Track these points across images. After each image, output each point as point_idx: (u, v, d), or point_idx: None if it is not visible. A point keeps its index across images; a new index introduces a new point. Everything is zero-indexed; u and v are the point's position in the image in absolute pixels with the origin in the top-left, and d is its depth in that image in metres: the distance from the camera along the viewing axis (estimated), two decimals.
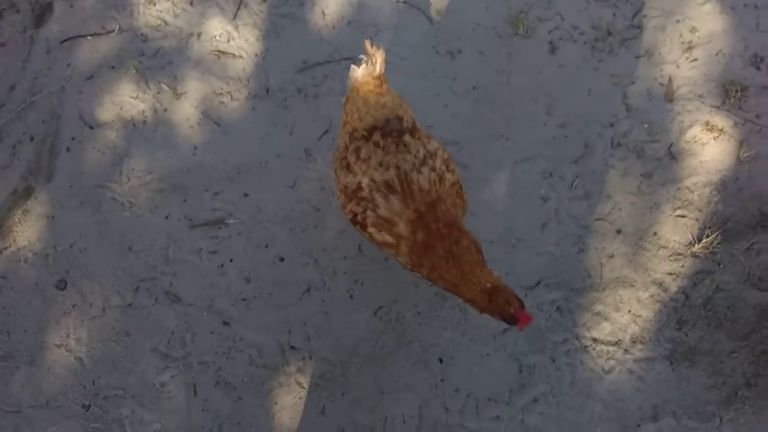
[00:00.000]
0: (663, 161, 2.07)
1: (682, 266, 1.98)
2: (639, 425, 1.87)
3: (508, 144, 2.10)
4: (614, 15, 2.17)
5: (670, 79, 2.13)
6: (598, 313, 1.95)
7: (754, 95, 2.08)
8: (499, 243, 2.01)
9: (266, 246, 2.09)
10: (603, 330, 1.94)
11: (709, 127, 2.08)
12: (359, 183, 1.56)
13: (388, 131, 1.59)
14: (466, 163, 2.09)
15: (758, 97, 2.08)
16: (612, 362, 1.92)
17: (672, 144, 2.08)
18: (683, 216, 2.02)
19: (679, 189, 2.05)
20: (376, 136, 1.59)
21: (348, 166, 1.60)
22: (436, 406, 1.92)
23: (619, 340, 1.93)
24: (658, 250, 2.00)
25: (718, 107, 2.08)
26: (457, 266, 1.45)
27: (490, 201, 2.05)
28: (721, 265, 1.97)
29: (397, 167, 1.53)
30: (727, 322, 1.93)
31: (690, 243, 1.99)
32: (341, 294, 2.02)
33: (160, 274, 2.07)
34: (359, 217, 1.58)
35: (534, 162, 2.09)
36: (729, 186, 2.02)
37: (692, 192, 2.03)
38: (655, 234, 2.01)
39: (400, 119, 1.61)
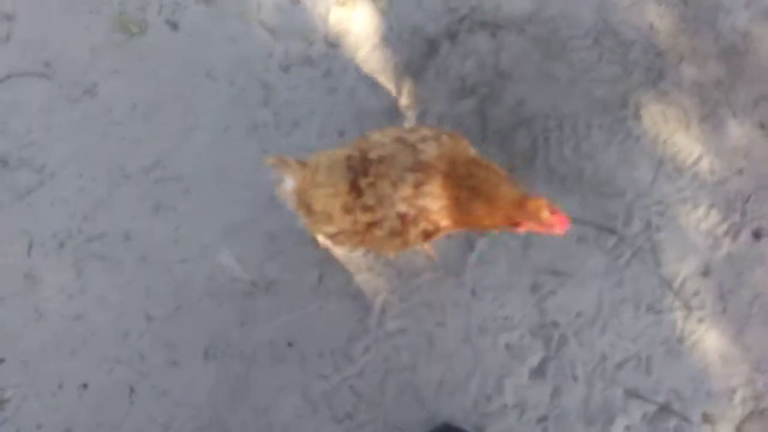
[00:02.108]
0: (330, 53, 2.25)
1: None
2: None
3: (200, 132, 2.16)
4: None
5: None
6: None
7: None
8: (248, 230, 2.10)
9: (60, 386, 1.97)
10: None
11: (341, 1, 2.28)
12: (399, 213, 1.51)
13: (360, 170, 1.54)
14: (181, 174, 2.10)
15: None
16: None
17: (326, 35, 2.25)
18: (380, 84, 2.22)
19: (358, 67, 2.24)
20: (362, 183, 1.53)
21: (371, 225, 1.56)
22: (315, 383, 1.99)
23: None
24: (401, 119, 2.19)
25: None
26: (482, 196, 1.49)
27: (222, 192, 2.10)
28: (431, 101, 2.22)
29: (406, 168, 1.49)
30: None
31: (397, 100, 2.20)
32: (162, 369, 1.98)
33: None
34: (429, 231, 1.56)
35: (234, 129, 2.16)
36: (390, 36, 2.27)
37: (369, 61, 2.24)
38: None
39: (348, 157, 1.55)
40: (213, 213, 2.11)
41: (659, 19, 2.35)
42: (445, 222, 1.60)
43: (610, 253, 2.11)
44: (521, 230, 1.58)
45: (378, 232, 1.62)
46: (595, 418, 1.99)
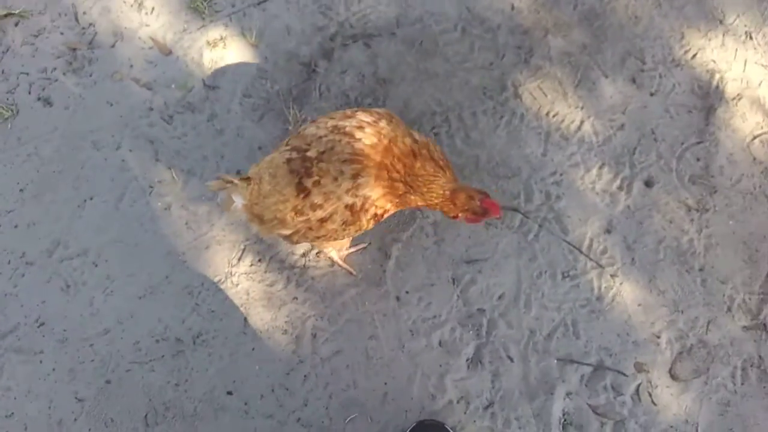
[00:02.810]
0: (210, 95, 2.29)
1: None
2: None
3: (96, 202, 2.18)
4: (64, 33, 2.23)
5: (152, 39, 2.27)
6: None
7: None
8: (164, 288, 2.06)
9: None
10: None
11: (212, 43, 2.29)
12: (347, 205, 1.55)
13: (303, 171, 1.58)
14: (85, 249, 2.09)
15: None
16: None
17: (203, 79, 2.26)
18: (265, 116, 2.23)
19: (241, 104, 2.26)
20: (307, 183, 1.55)
21: (323, 221, 1.59)
22: (262, 424, 2.00)
23: None
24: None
25: (185, 29, 2.29)
26: (417, 192, 1.56)
27: (129, 258, 2.07)
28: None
29: (343, 160, 1.53)
30: None
31: (284, 130, 2.23)
32: None
33: None
34: (379, 214, 1.62)
35: (129, 192, 2.14)
36: (266, 66, 2.32)
37: (251, 96, 2.24)
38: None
39: (288, 160, 1.58)
40: (125, 279, 2.10)
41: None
42: (389, 206, 1.66)
43: (518, 230, 2.18)
44: (460, 221, 1.66)
45: (331, 225, 1.65)
46: (537, 392, 2.05)
